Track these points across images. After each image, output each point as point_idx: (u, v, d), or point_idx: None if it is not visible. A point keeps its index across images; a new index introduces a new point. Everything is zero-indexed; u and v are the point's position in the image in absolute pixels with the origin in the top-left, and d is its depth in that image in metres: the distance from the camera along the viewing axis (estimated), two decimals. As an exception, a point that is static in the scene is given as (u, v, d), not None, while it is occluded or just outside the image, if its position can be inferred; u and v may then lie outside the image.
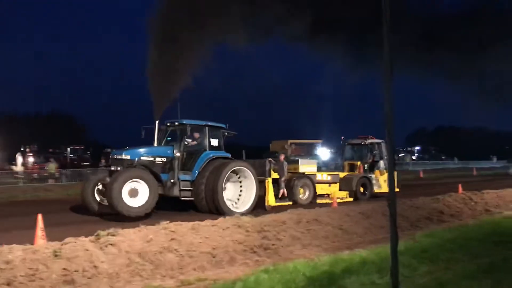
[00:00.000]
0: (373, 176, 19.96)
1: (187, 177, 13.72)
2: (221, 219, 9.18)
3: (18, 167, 28.98)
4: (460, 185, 17.53)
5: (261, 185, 15.04)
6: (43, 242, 8.30)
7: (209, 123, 14.51)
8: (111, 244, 7.03)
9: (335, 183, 19.05)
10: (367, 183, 19.54)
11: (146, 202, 12.18)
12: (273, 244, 8.71)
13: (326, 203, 16.00)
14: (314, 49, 16.74)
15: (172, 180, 13.46)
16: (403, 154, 63.58)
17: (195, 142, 14.32)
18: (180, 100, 15.17)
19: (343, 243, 9.59)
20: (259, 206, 14.65)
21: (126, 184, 11.99)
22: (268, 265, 7.26)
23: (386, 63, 4.65)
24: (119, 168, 12.85)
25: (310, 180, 17.78)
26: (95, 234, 7.40)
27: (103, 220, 12.27)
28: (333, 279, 6.35)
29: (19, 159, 29.76)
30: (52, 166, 28.58)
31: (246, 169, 14.30)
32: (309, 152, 21.21)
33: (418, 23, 13.39)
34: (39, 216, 9.11)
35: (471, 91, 15.55)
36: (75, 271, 6.31)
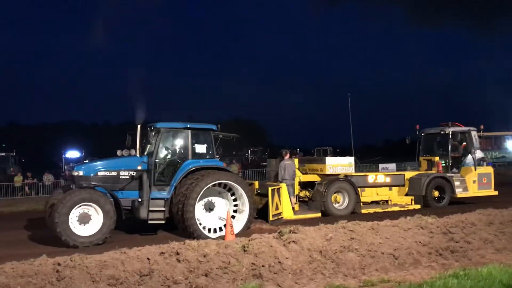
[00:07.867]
0: (455, 176, 15.78)
1: (163, 194, 11.18)
2: (402, 219, 8.86)
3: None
4: None
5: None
6: (232, 237, 9.07)
7: (191, 125, 11.77)
8: (293, 241, 7.31)
9: (399, 186, 15.58)
10: (444, 185, 15.34)
11: (99, 231, 10.21)
12: (461, 247, 8.09)
13: (376, 213, 13.78)
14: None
15: (139, 199, 11.16)
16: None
17: (175, 150, 11.86)
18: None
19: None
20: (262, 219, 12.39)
21: (75, 209, 10.15)
22: (457, 269, 6.76)
23: None
24: (73, 187, 11.07)
25: (350, 184, 14.19)
26: (278, 231, 7.78)
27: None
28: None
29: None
30: (234, 167, 30.97)
31: (233, 183, 11.32)
32: (498, 146, 18.70)
33: None
34: (228, 214, 9.97)
35: None
36: (262, 266, 6.72)
